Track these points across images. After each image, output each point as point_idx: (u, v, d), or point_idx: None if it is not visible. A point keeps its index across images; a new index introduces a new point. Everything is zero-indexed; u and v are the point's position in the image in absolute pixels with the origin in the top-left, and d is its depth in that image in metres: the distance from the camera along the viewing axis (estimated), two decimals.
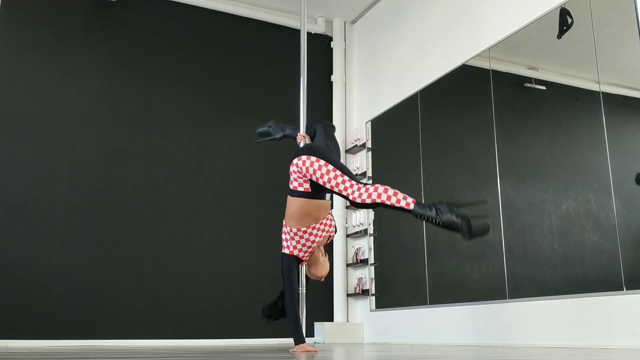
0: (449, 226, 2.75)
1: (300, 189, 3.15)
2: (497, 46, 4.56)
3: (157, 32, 5.89)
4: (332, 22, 6.66)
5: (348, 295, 5.97)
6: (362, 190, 2.90)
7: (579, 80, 3.98)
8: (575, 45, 3.97)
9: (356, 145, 6.18)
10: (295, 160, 3.12)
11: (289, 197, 3.21)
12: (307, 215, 3.18)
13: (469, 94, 4.90)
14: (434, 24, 5.38)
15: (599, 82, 3.70)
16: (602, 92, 3.68)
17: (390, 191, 2.85)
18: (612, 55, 3.70)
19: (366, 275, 5.80)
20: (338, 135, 6.34)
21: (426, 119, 5.31)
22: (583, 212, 3.73)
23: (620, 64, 3.69)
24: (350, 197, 2.93)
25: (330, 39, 6.65)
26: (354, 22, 6.75)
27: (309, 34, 4.83)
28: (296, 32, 5.33)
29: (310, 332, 5.63)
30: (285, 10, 6.37)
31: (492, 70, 4.60)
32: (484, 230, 2.74)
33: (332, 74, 6.54)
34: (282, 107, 6.15)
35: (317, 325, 5.63)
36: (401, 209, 2.83)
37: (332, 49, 6.62)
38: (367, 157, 6.01)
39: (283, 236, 3.30)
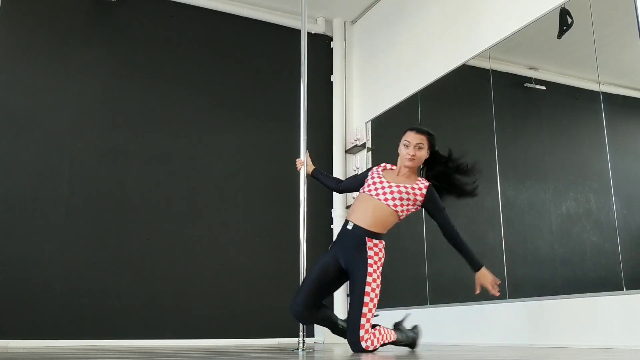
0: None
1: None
2: (497, 46, 4.56)
3: (157, 32, 5.89)
4: (332, 22, 6.66)
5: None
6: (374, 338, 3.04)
7: (579, 80, 3.98)
8: (575, 45, 3.97)
9: (356, 145, 6.18)
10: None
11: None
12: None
13: (469, 94, 4.90)
14: (433, 24, 5.38)
15: (599, 82, 3.70)
16: (602, 92, 3.68)
17: (385, 332, 3.12)
18: (612, 55, 3.70)
19: None
20: (338, 135, 6.37)
21: (426, 119, 5.31)
22: (583, 212, 3.73)
23: (620, 64, 3.69)
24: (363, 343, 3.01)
25: (330, 39, 6.65)
26: (354, 22, 6.75)
27: (309, 34, 4.83)
28: (296, 32, 5.32)
29: (311, 332, 5.63)
30: (285, 10, 6.37)
31: (492, 70, 4.60)
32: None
33: (332, 74, 6.54)
34: (282, 107, 6.15)
35: (318, 325, 5.62)
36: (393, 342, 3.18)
37: (332, 49, 6.62)
38: (367, 157, 6.01)
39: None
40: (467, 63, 4.87)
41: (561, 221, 3.88)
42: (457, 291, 4.66)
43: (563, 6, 3.99)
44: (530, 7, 4.28)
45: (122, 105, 5.59)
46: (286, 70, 6.15)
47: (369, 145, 6.04)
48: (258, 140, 6.05)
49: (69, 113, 5.37)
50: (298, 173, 3.75)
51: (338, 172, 6.22)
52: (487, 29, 4.70)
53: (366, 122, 6.16)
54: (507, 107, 4.44)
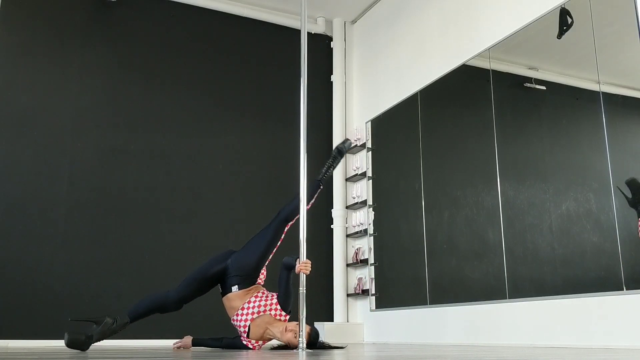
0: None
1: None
2: (497, 46, 4.56)
3: (157, 32, 5.89)
4: (332, 22, 6.66)
5: (348, 295, 5.97)
6: None
7: (579, 80, 3.98)
8: (575, 45, 3.97)
9: (356, 145, 6.18)
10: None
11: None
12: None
13: (469, 94, 4.90)
14: (433, 24, 5.38)
15: (599, 82, 3.70)
16: (602, 92, 3.68)
17: None
18: (612, 55, 3.70)
19: (366, 275, 5.80)
20: (338, 135, 6.37)
21: (426, 119, 5.31)
22: (583, 212, 3.73)
23: (620, 64, 3.69)
24: None
25: (330, 39, 6.65)
26: (354, 22, 6.75)
27: (309, 34, 4.82)
28: (296, 32, 5.31)
29: None
30: (285, 10, 6.37)
31: (492, 70, 4.60)
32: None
33: (332, 74, 6.54)
34: (282, 107, 6.15)
35: (317, 325, 5.62)
36: None
37: (332, 49, 6.62)
38: (367, 157, 6.01)
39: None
40: (467, 63, 4.87)
41: (561, 221, 3.88)
42: (457, 291, 4.66)
43: (563, 6, 3.99)
44: (530, 7, 4.28)
45: (122, 105, 5.59)
46: (286, 70, 6.15)
47: (369, 145, 6.04)
48: (258, 140, 6.05)
49: (69, 113, 5.37)
50: (298, 173, 3.75)
51: (338, 172, 6.22)
52: (487, 29, 4.70)
53: (366, 122, 6.16)
54: (507, 107, 4.44)
